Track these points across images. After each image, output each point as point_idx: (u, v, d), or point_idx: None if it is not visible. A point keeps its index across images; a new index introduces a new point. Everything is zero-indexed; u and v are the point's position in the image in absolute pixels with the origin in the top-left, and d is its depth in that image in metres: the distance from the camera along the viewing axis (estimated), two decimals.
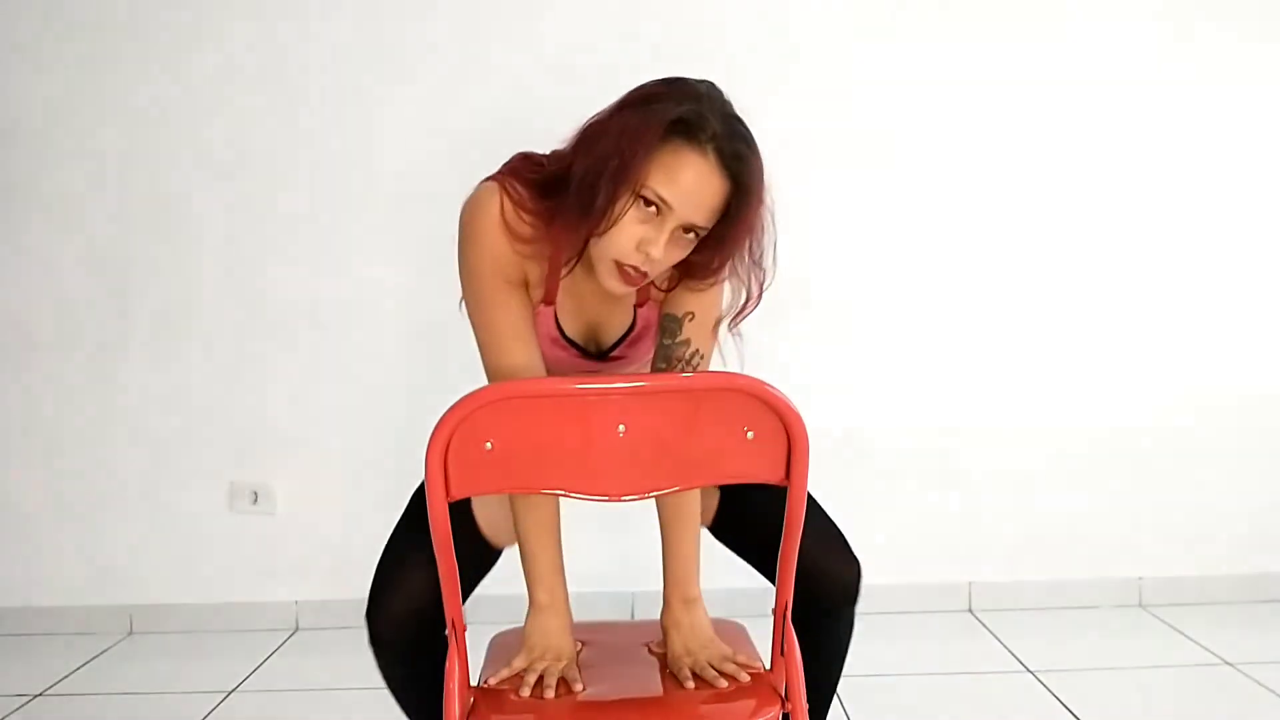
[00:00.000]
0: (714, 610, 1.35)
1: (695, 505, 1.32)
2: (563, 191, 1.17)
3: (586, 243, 1.23)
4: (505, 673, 1.22)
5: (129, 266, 2.65)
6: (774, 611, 1.23)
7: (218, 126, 2.62)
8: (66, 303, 2.65)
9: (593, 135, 1.18)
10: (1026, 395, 2.65)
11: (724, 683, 1.19)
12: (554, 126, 1.25)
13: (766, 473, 1.12)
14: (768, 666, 1.25)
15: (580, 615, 1.32)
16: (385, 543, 1.36)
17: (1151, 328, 2.64)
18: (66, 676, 2.41)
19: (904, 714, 2.07)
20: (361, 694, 2.26)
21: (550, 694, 1.17)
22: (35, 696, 2.29)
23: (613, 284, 1.21)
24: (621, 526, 2.24)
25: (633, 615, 2.59)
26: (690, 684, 1.19)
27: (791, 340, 2.54)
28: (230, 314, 2.65)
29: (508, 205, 1.21)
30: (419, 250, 2.62)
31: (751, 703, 1.16)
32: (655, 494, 1.14)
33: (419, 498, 1.38)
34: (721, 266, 1.23)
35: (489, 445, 1.07)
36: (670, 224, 1.15)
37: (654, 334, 1.37)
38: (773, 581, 1.25)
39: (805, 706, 1.19)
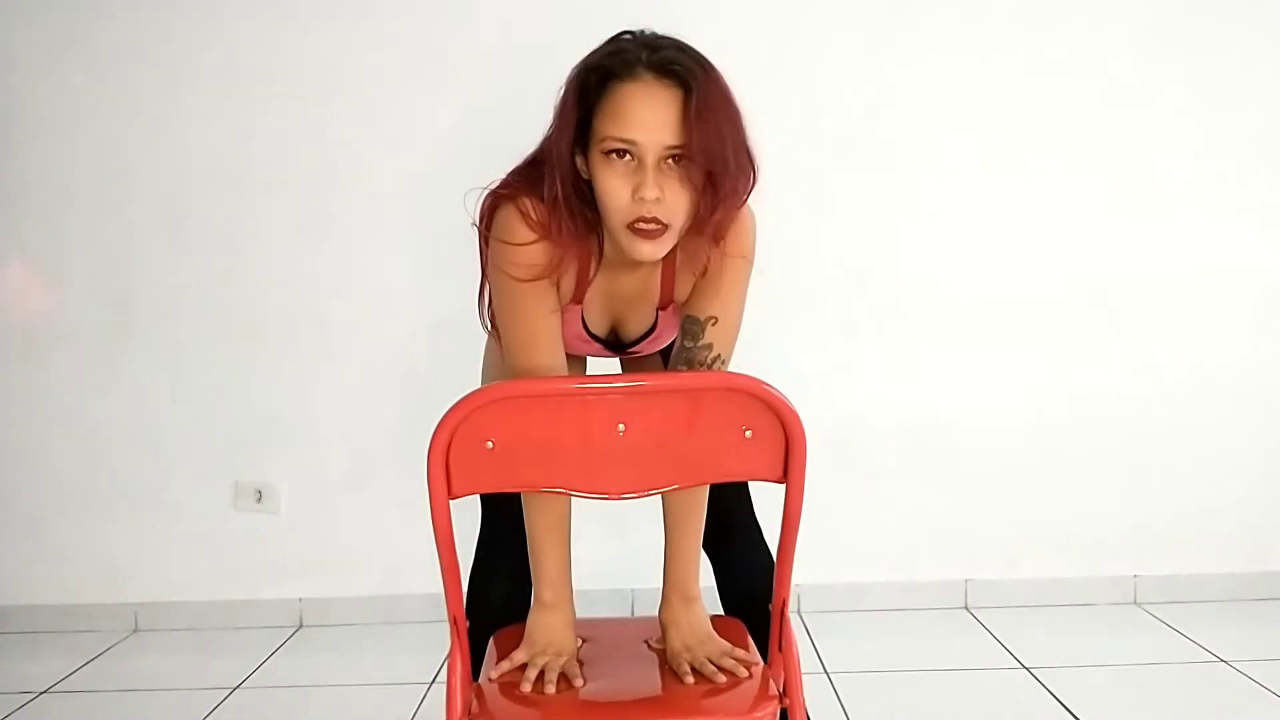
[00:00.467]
0: (712, 608, 1.37)
1: (702, 504, 1.33)
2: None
3: (602, 240, 1.25)
4: (506, 666, 1.24)
5: (132, 266, 2.66)
6: (771, 608, 1.25)
7: (220, 126, 2.63)
8: (70, 301, 2.67)
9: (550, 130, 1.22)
10: (1023, 392, 2.67)
11: (723, 678, 1.20)
12: None
13: (765, 471, 1.13)
14: (766, 662, 1.27)
15: (581, 612, 1.34)
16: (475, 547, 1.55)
17: (1148, 326, 2.65)
18: (71, 674, 2.42)
19: (901, 711, 2.08)
20: (365, 691, 2.28)
21: (551, 689, 1.18)
22: (40, 694, 2.31)
23: (642, 250, 1.16)
24: (621, 525, 2.26)
25: (632, 612, 2.60)
26: (689, 679, 1.21)
27: (789, 338, 2.55)
28: (234, 313, 2.66)
29: (533, 224, 1.22)
30: (422, 250, 2.64)
31: (750, 698, 1.17)
32: (654, 492, 1.15)
33: (486, 502, 1.52)
34: (724, 172, 1.15)
35: (490, 444, 1.09)
36: (648, 159, 1.12)
37: (670, 335, 1.40)
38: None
39: (803, 701, 1.20)
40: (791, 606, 2.16)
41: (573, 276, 1.29)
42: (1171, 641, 2.41)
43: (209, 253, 2.66)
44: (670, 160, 1.13)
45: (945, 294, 2.65)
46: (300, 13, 2.60)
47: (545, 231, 1.22)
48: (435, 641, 2.44)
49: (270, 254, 2.65)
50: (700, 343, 1.28)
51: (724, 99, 1.15)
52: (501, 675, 1.23)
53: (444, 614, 1.18)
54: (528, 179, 1.25)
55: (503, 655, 1.27)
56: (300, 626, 2.71)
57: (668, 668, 1.26)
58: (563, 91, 1.20)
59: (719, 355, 1.29)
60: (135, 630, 2.71)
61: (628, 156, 1.13)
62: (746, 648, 1.30)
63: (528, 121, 1.29)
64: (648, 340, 1.41)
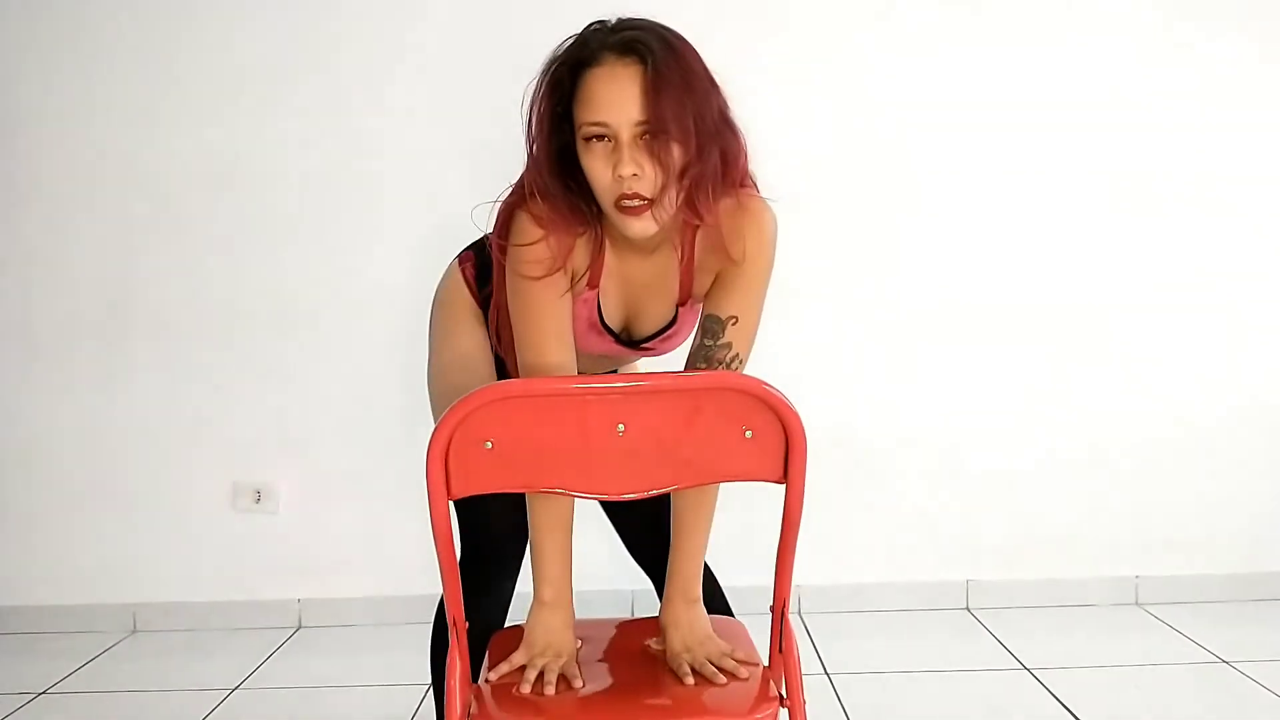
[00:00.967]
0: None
1: (711, 505, 1.33)
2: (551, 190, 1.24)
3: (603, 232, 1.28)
4: (505, 667, 1.23)
5: (131, 266, 2.66)
6: (772, 609, 1.24)
7: (219, 127, 2.63)
8: (69, 302, 2.67)
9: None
10: (1024, 394, 2.66)
11: (723, 679, 1.20)
12: None
13: (765, 472, 1.13)
14: (766, 663, 1.26)
15: (580, 612, 1.33)
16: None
17: (1148, 328, 2.65)
18: (70, 675, 2.42)
19: (901, 712, 2.08)
20: (364, 692, 2.27)
21: (550, 690, 1.18)
22: (39, 694, 2.30)
23: (633, 228, 1.20)
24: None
25: (632, 612, 2.60)
26: (690, 680, 1.20)
27: (789, 339, 2.54)
28: (233, 313, 2.66)
29: (540, 221, 1.24)
30: (421, 250, 2.62)
31: (750, 699, 1.16)
32: (654, 492, 1.15)
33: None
34: (688, 139, 1.16)
35: (489, 444, 1.09)
36: (623, 138, 1.15)
37: (688, 333, 1.41)
38: (637, 560, 1.56)
39: (804, 702, 1.20)
40: (792, 607, 2.16)
41: (586, 255, 1.30)
42: (1172, 642, 2.41)
43: (208, 253, 2.66)
44: (645, 136, 1.16)
45: (946, 294, 2.65)
46: (300, 13, 2.61)
47: (549, 224, 1.24)
48: None
49: (269, 254, 2.65)
50: (720, 341, 1.28)
51: (685, 69, 1.17)
52: (500, 677, 1.22)
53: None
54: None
55: (502, 657, 1.27)
56: (299, 627, 2.71)
57: (667, 669, 1.25)
58: (533, 85, 1.24)
59: (737, 354, 1.29)
60: (134, 631, 2.71)
61: (606, 139, 1.16)
62: (747, 648, 1.30)
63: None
64: (663, 337, 1.41)
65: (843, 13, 2.60)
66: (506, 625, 1.41)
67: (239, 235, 2.65)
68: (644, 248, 1.29)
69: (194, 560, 2.71)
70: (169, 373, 2.67)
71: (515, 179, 1.31)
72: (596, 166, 1.17)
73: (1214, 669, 2.23)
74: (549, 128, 1.21)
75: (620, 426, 1.09)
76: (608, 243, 1.30)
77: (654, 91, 1.13)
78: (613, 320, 1.38)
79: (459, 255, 1.56)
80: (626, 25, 1.20)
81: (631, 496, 1.12)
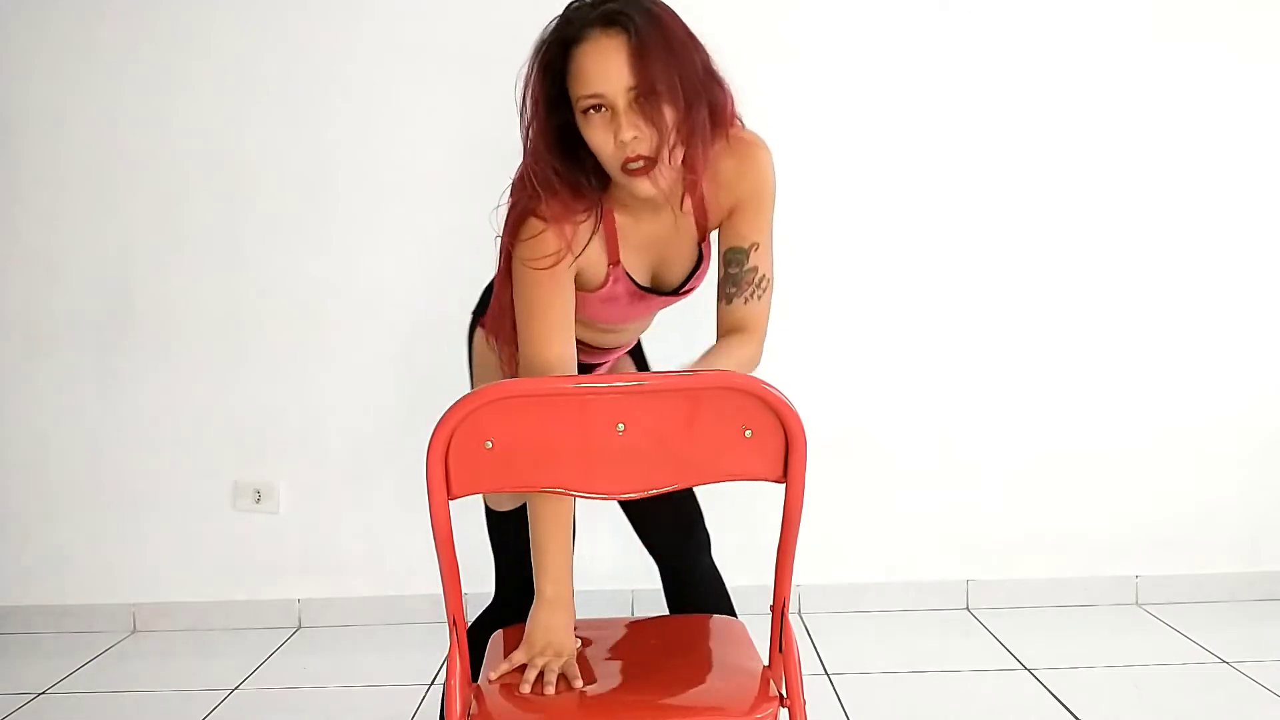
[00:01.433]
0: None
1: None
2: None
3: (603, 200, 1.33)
4: (505, 667, 1.23)
5: (132, 266, 2.66)
6: (772, 609, 1.24)
7: (219, 126, 2.63)
8: (70, 302, 2.67)
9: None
10: (1024, 393, 2.66)
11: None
12: None
13: (765, 471, 1.13)
14: (766, 663, 1.26)
15: (581, 612, 1.33)
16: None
17: (1148, 326, 2.65)
18: (70, 675, 2.42)
19: (902, 712, 2.08)
20: (364, 691, 2.27)
21: (550, 690, 1.18)
22: (38, 695, 2.30)
23: (643, 188, 1.24)
24: (622, 525, 2.25)
25: (632, 612, 2.60)
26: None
27: (789, 339, 2.54)
28: (233, 313, 2.66)
29: (543, 214, 1.28)
30: (422, 250, 2.64)
31: (750, 699, 1.16)
32: (654, 492, 1.15)
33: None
34: (676, 97, 1.21)
35: (489, 444, 1.09)
36: (618, 104, 1.20)
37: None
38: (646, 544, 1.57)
39: (804, 702, 1.20)
40: (792, 607, 2.16)
41: (600, 236, 1.34)
42: (1172, 642, 2.41)
43: (208, 252, 2.66)
44: (638, 100, 1.20)
45: (946, 294, 2.64)
46: (300, 13, 2.61)
47: (552, 213, 1.28)
48: (435, 642, 2.45)
49: (270, 254, 2.65)
50: (747, 266, 1.36)
51: (666, 33, 1.21)
52: (501, 676, 1.23)
53: (443, 614, 1.18)
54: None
55: (501, 654, 1.27)
56: (299, 627, 2.71)
57: (667, 669, 1.25)
58: (524, 71, 1.27)
59: (764, 275, 1.37)
60: (134, 631, 2.71)
61: (602, 109, 1.21)
62: (747, 648, 1.30)
63: None
64: (697, 274, 1.46)
65: (843, 12, 2.60)
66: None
67: (239, 235, 2.65)
68: (655, 204, 1.34)
69: (194, 560, 2.71)
70: (169, 371, 2.68)
71: (515, 177, 1.33)
72: (598, 136, 1.22)
73: (1214, 669, 2.23)
74: (546, 109, 1.26)
75: (620, 426, 1.09)
76: (618, 212, 1.35)
77: (639, 58, 1.18)
78: (644, 279, 1.43)
79: (474, 318, 1.61)
80: (604, 1, 1.24)
81: (631, 496, 1.12)
